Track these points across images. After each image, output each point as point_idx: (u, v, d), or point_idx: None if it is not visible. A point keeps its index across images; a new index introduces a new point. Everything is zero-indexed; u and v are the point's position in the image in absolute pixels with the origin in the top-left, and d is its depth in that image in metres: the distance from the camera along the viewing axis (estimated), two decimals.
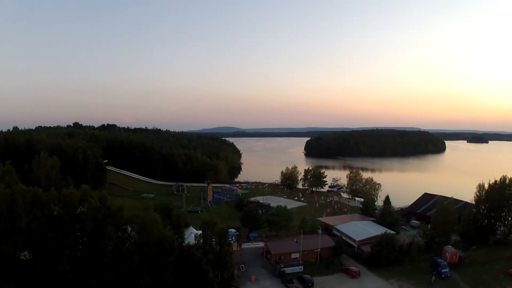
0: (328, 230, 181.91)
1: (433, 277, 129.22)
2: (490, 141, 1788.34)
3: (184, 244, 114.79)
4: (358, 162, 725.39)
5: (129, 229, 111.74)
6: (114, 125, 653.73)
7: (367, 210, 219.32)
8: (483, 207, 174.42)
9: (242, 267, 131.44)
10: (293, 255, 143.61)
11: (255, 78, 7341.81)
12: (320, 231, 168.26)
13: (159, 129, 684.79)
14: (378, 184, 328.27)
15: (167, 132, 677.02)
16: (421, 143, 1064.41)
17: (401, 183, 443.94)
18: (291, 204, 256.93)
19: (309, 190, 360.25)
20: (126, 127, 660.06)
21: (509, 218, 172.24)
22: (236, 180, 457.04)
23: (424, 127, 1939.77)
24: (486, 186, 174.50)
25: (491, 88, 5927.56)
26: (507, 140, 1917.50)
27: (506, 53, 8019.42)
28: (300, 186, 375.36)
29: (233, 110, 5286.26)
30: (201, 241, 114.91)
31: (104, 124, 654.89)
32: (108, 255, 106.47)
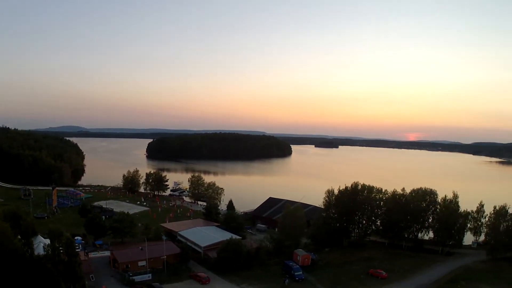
0: (172, 236, 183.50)
1: (286, 280, 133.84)
2: (340, 146, 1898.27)
3: (34, 255, 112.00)
4: (200, 166, 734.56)
5: None
6: None
7: (211, 215, 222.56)
8: (333, 211, 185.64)
9: (92, 277, 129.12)
10: (140, 263, 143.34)
11: (100, 75, 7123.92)
12: (164, 237, 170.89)
13: (8, 127, 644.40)
14: (221, 188, 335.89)
15: (15, 131, 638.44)
16: (266, 147, 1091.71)
17: (245, 187, 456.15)
18: (133, 209, 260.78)
19: (151, 194, 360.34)
20: None
21: (363, 222, 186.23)
22: (79, 183, 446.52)
23: (269, 131, 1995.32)
24: (336, 191, 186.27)
25: (347, 96, 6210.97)
26: (359, 145, 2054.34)
27: (362, 63, 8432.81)
28: (142, 189, 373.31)
29: (77, 108, 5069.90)
30: (50, 251, 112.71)
31: None
32: None
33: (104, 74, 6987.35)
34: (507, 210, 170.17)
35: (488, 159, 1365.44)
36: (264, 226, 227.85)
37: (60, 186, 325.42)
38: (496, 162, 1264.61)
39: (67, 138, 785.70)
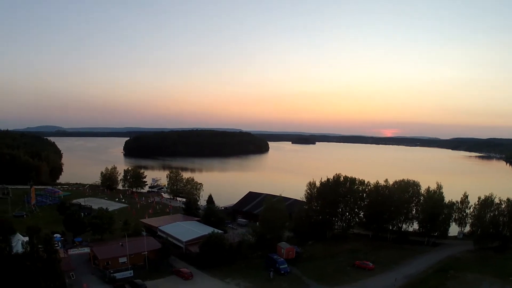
0: (152, 231, 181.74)
1: (271, 273, 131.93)
2: (317, 142, 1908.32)
3: (13, 253, 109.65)
4: (177, 162, 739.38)
5: None
6: None
7: (191, 210, 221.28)
8: (315, 203, 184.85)
9: (72, 274, 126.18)
10: (121, 260, 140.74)
11: (78, 75, 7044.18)
12: (144, 233, 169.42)
13: None
14: (200, 183, 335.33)
15: None
16: (242, 144, 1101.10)
17: (223, 182, 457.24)
18: (112, 205, 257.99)
19: (130, 191, 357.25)
20: None
21: (347, 214, 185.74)
22: (57, 181, 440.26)
23: (246, 128, 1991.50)
24: (318, 183, 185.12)
25: (324, 93, 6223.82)
26: (337, 142, 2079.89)
27: (339, 60, 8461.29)
28: (120, 187, 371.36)
29: (55, 108, 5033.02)
30: (28, 249, 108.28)
31: None
32: None
33: (82, 74, 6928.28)
34: (493, 201, 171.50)
35: (467, 153, 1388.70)
36: (245, 220, 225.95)
37: (38, 185, 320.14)
38: (476, 156, 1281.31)
39: (45, 137, 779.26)
